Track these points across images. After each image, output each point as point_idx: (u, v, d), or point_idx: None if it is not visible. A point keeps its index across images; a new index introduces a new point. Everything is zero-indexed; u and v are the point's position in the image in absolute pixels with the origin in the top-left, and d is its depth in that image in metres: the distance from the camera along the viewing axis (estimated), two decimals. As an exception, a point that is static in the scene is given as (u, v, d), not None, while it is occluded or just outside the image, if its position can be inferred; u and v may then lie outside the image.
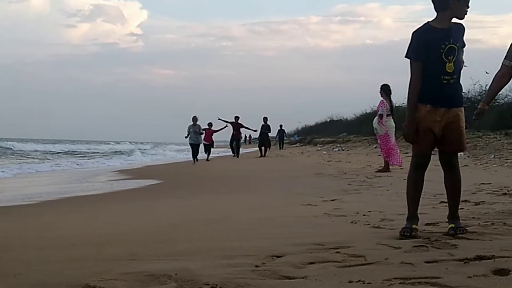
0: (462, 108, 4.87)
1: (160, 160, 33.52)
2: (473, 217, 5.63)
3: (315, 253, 4.12)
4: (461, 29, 4.79)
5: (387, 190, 8.94)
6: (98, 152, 48.90)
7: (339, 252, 4.12)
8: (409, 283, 3.18)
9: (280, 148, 44.32)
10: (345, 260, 3.85)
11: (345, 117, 56.46)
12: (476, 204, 6.80)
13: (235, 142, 30.45)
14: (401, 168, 13.76)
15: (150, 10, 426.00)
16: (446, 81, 4.70)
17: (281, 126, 45.63)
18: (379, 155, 16.48)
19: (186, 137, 25.82)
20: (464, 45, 4.81)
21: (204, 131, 26.39)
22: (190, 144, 25.64)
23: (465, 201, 7.10)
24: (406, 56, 4.78)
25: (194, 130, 25.47)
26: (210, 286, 3.23)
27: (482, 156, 18.63)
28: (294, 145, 51.94)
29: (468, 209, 6.38)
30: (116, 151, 50.08)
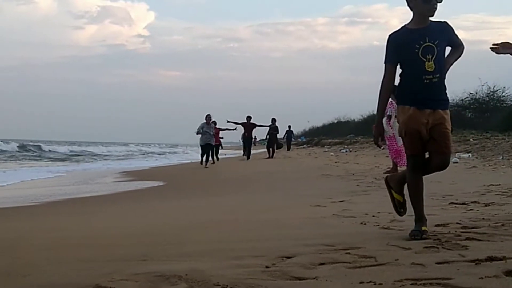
0: (448, 111, 4.79)
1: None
2: (483, 218, 5.60)
3: (325, 254, 4.11)
4: (444, 27, 4.76)
5: (396, 191, 8.91)
6: (132, 154, 49.84)
7: (349, 253, 4.10)
8: (420, 284, 3.16)
9: (287, 150, 44.21)
10: (355, 261, 3.83)
11: (352, 118, 56.48)
12: (486, 205, 6.76)
13: (248, 142, 29.12)
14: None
15: (157, 11, 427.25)
16: (428, 81, 4.63)
17: (289, 127, 45.45)
18: (387, 157, 16.44)
19: (196, 134, 23.36)
20: (452, 43, 4.78)
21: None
22: (201, 145, 23.41)
23: (475, 202, 7.09)
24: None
25: (207, 131, 23.33)
26: (221, 287, 3.22)
27: (491, 157, 18.57)
28: (301, 147, 51.90)
29: (478, 210, 6.36)
30: (150, 152, 51.71)
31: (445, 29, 4.75)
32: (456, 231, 4.85)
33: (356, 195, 8.96)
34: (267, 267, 3.73)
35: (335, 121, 62.26)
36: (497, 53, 5.16)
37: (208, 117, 23.77)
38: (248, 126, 28.29)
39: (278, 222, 6.18)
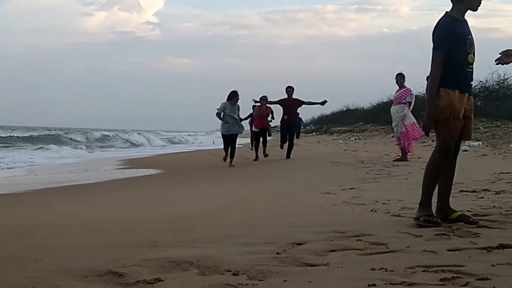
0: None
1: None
2: (494, 206, 5.58)
3: (336, 240, 4.11)
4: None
5: (406, 179, 8.89)
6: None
7: (360, 240, 4.11)
8: (432, 271, 3.16)
9: (296, 137, 43.96)
10: (366, 248, 3.83)
11: (361, 106, 56.16)
12: (497, 193, 6.74)
13: (289, 131, 18.06)
14: (419, 158, 13.70)
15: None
16: (468, 69, 4.78)
17: (297, 114, 45.15)
18: (396, 144, 16.38)
19: (217, 116, 15.71)
20: None
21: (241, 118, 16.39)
22: (223, 135, 16.16)
23: (485, 190, 7.06)
24: (434, 48, 4.77)
25: (231, 114, 15.76)
26: (232, 273, 3.23)
27: (501, 145, 18.47)
28: (310, 134, 51.81)
29: (488, 198, 6.34)
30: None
31: None
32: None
33: (366, 182, 8.94)
34: (278, 253, 3.74)
35: (344, 109, 61.92)
36: (502, 64, 5.14)
37: (233, 94, 15.91)
38: (291, 104, 17.61)
39: (288, 209, 6.18)
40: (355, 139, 33.54)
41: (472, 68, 4.83)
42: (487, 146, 18.24)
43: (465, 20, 4.81)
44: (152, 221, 5.72)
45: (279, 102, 17.59)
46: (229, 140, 16.03)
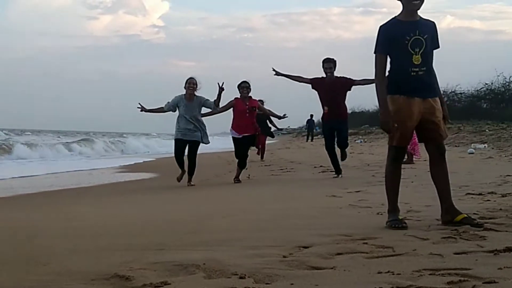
0: (436, 99, 4.85)
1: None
2: (501, 209, 5.56)
3: (342, 244, 4.11)
4: (432, 26, 4.87)
5: (412, 182, 8.89)
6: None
7: (366, 243, 4.11)
8: (439, 274, 3.16)
9: (307, 140, 43.50)
10: (373, 251, 3.83)
11: (366, 109, 56.08)
12: (503, 196, 6.73)
13: (336, 132, 11.42)
14: (425, 160, 13.66)
15: (172, 1, 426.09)
16: (414, 73, 4.72)
17: (311, 116, 44.54)
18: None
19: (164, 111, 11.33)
20: (435, 43, 4.85)
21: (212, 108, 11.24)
22: (175, 140, 11.37)
23: (492, 193, 7.06)
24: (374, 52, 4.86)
25: (186, 115, 11.09)
26: (239, 276, 3.23)
27: (507, 148, 18.45)
28: (316, 137, 51.77)
29: (495, 200, 6.33)
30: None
31: (432, 27, 4.87)
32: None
33: (371, 185, 8.93)
34: (284, 256, 3.74)
35: (350, 112, 61.97)
36: None
37: (190, 82, 11.14)
38: (331, 87, 11.06)
39: (294, 212, 6.18)
40: (361, 141, 33.57)
41: (424, 70, 4.73)
42: (493, 148, 18.22)
43: (418, 21, 4.77)
44: (158, 224, 5.73)
45: (311, 82, 11.11)
46: (183, 147, 11.24)
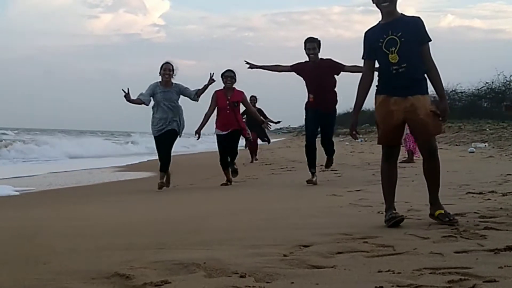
0: (420, 96, 4.85)
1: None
2: (501, 208, 5.57)
3: (343, 243, 4.11)
4: (413, 21, 4.91)
5: (412, 181, 8.87)
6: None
7: (367, 242, 4.11)
8: (439, 273, 3.16)
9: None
10: (373, 250, 3.84)
11: (367, 108, 55.96)
12: (504, 195, 6.73)
13: (320, 126, 9.93)
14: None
15: (172, 0, 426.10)
16: (395, 71, 4.81)
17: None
18: (402, 146, 16.36)
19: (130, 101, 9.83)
20: (420, 38, 4.86)
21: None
22: (155, 137, 10.25)
23: (492, 192, 7.06)
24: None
25: (163, 105, 9.99)
26: (239, 275, 3.23)
27: (507, 147, 18.47)
28: (318, 136, 51.73)
29: (495, 200, 6.33)
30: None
31: (413, 23, 4.91)
32: (474, 221, 4.84)
33: (372, 184, 8.93)
34: (284, 255, 3.74)
35: (350, 111, 61.93)
36: None
37: (166, 68, 10.07)
38: (317, 72, 9.56)
39: (294, 211, 6.18)
40: (361, 140, 33.51)
41: (402, 66, 4.79)
42: (493, 147, 18.23)
43: (393, 21, 4.86)
44: (159, 223, 5.73)
45: (292, 68, 9.74)
46: (164, 143, 10.03)
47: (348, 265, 3.42)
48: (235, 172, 10.88)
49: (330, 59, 9.57)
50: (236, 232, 4.78)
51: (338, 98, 9.91)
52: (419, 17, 4.95)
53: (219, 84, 10.46)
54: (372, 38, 4.94)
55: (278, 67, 9.87)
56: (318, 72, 9.47)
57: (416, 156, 14.17)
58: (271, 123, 12.88)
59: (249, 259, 3.63)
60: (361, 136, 37.29)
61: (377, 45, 4.88)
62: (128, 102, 9.76)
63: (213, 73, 10.13)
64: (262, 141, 16.99)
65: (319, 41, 9.59)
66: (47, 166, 19.08)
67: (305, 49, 9.54)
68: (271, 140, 17.24)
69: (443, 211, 4.83)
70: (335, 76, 9.64)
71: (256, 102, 14.79)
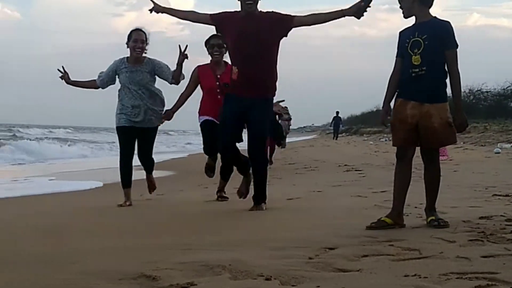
0: (437, 105, 4.84)
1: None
2: (528, 211, 5.51)
3: (368, 245, 4.10)
4: (440, 25, 4.89)
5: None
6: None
7: (392, 245, 4.09)
8: (466, 278, 3.13)
9: (333, 138, 43.04)
10: (399, 254, 3.81)
11: (392, 107, 55.81)
12: (524, 198, 6.64)
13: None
14: (451, 160, 13.57)
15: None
16: (414, 74, 4.83)
17: (337, 113, 43.86)
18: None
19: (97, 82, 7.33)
20: (445, 43, 4.82)
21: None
22: (118, 128, 7.24)
23: (507, 195, 6.95)
24: None
25: (129, 87, 7.13)
26: (265, 278, 3.23)
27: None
28: (341, 135, 51.62)
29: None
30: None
31: (441, 27, 4.89)
32: (500, 224, 4.79)
33: (397, 185, 8.87)
34: (310, 258, 3.73)
35: (374, 109, 61.57)
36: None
37: (137, 39, 7.13)
38: (251, 26, 6.07)
39: (318, 212, 6.17)
40: (386, 140, 33.30)
41: (424, 70, 4.81)
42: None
43: (420, 24, 4.89)
44: (182, 223, 5.76)
45: (212, 18, 6.53)
46: (134, 140, 7.33)
47: (374, 268, 3.41)
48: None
49: (274, 12, 6.25)
50: (259, 233, 4.79)
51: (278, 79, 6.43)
52: (448, 22, 4.90)
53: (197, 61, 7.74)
54: (403, 38, 4.99)
55: (192, 15, 6.68)
56: (253, 29, 6.08)
57: (443, 158, 14.06)
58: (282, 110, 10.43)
59: (274, 261, 3.62)
60: (385, 135, 37.18)
61: (405, 45, 4.91)
62: (69, 85, 7.43)
63: (187, 46, 7.13)
64: (278, 145, 15.09)
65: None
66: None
67: None
68: (295, 139, 16.86)
69: (433, 217, 4.89)
70: (280, 40, 6.28)
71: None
